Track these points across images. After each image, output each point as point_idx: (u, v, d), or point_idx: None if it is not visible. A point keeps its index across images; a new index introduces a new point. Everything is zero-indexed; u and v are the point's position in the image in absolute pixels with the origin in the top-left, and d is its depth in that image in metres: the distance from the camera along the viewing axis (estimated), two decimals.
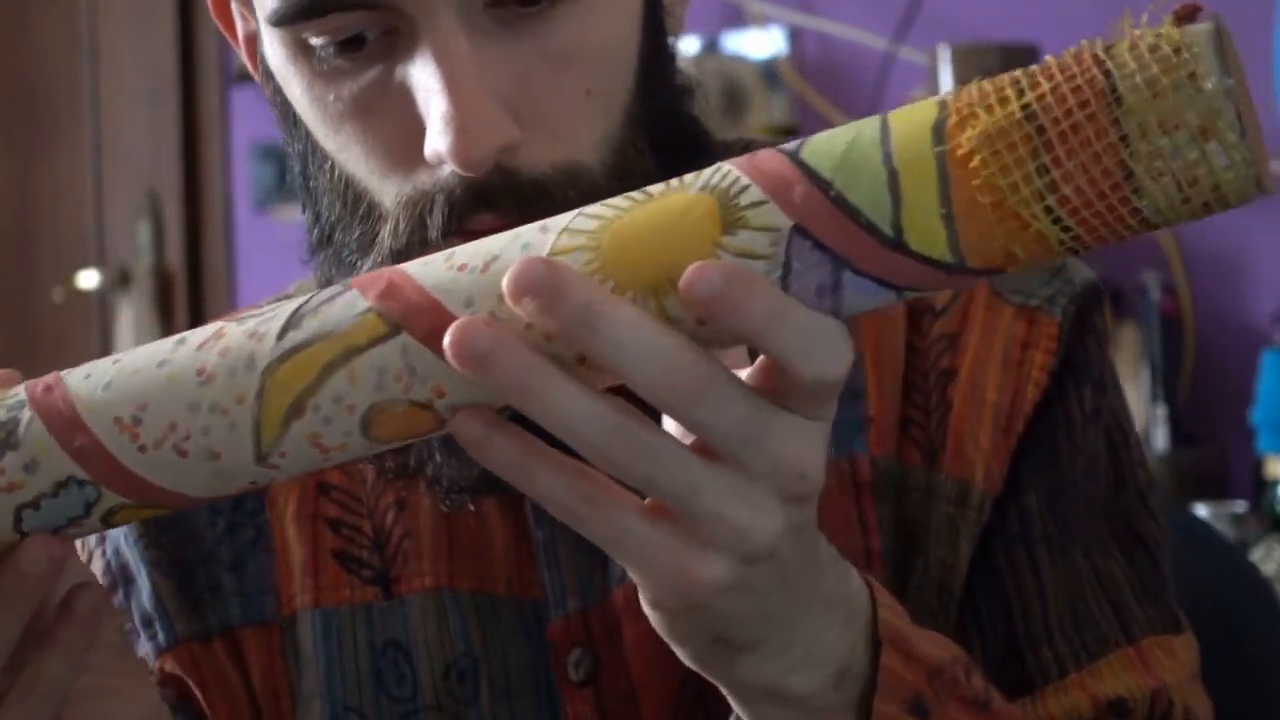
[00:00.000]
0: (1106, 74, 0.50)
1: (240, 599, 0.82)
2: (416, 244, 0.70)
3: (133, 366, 0.58)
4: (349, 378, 0.55)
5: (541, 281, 0.53)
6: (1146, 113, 0.50)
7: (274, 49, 0.74)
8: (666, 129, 0.76)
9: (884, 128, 0.54)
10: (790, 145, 0.55)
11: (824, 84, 2.60)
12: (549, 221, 0.56)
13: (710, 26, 2.68)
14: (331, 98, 0.72)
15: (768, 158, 0.55)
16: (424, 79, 0.69)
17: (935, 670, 0.68)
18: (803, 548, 0.59)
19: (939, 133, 0.53)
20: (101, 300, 3.56)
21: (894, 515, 0.81)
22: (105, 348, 3.35)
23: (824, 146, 0.54)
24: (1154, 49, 0.50)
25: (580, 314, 0.53)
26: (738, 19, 2.68)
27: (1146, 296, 2.23)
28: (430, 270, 0.56)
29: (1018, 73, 0.53)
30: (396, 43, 0.70)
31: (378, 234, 0.73)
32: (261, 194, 3.38)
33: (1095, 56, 0.51)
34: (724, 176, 0.55)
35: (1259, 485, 2.16)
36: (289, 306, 0.57)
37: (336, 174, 0.74)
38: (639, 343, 0.53)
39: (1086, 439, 0.82)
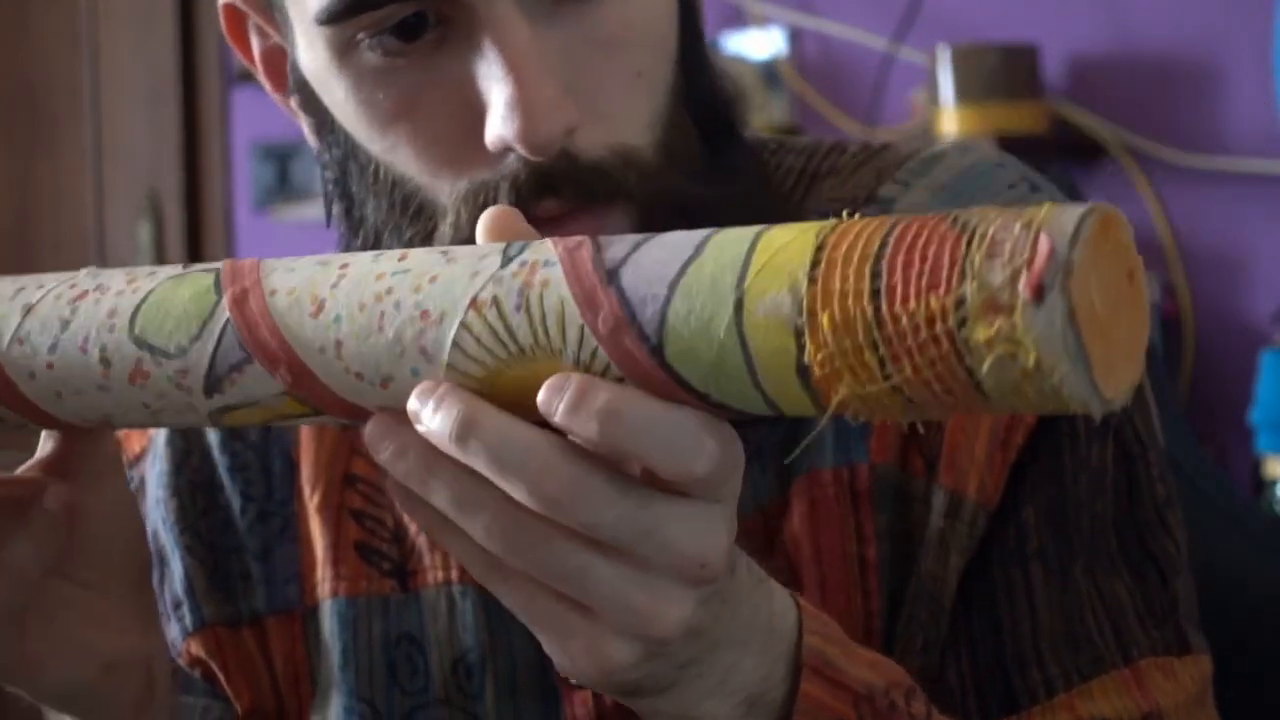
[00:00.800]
0: (969, 371, 0.49)
1: (266, 587, 0.83)
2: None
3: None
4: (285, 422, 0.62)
5: (415, 415, 0.55)
6: (1008, 395, 0.50)
7: (315, 53, 0.73)
8: (705, 108, 0.76)
9: (745, 350, 0.52)
10: (652, 331, 0.53)
11: (824, 84, 2.60)
12: (430, 350, 0.56)
13: (710, 27, 2.68)
14: (380, 96, 0.72)
15: (635, 350, 0.54)
16: (485, 66, 0.69)
17: (865, 696, 0.66)
18: (720, 607, 0.59)
19: (804, 375, 0.52)
20: None
21: (892, 524, 0.80)
22: None
23: (687, 350, 0.53)
24: (1008, 346, 0.49)
25: (455, 429, 0.54)
26: (738, 19, 2.68)
27: None
28: (331, 373, 0.58)
29: (870, 316, 0.51)
30: (448, 34, 0.70)
31: (434, 231, 0.73)
32: (262, 194, 3.38)
33: (950, 336, 0.49)
34: (592, 355, 0.54)
35: (1258, 485, 2.16)
36: (204, 354, 0.59)
37: (383, 176, 0.74)
38: (509, 450, 0.54)
39: (1092, 454, 0.80)
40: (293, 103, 0.78)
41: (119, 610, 0.68)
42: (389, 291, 0.57)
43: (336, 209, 0.77)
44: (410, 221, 0.73)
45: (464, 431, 0.54)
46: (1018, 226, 0.49)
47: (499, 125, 0.69)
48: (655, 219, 0.70)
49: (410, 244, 0.73)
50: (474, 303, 0.56)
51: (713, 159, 0.75)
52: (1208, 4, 2.30)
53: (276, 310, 0.59)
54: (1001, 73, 2.32)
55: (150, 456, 0.87)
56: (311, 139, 0.78)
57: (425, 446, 0.56)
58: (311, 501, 0.83)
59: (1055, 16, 2.41)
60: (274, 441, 0.85)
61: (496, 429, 0.54)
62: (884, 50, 2.49)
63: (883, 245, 0.51)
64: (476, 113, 0.70)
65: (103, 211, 3.64)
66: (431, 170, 0.72)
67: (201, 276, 0.61)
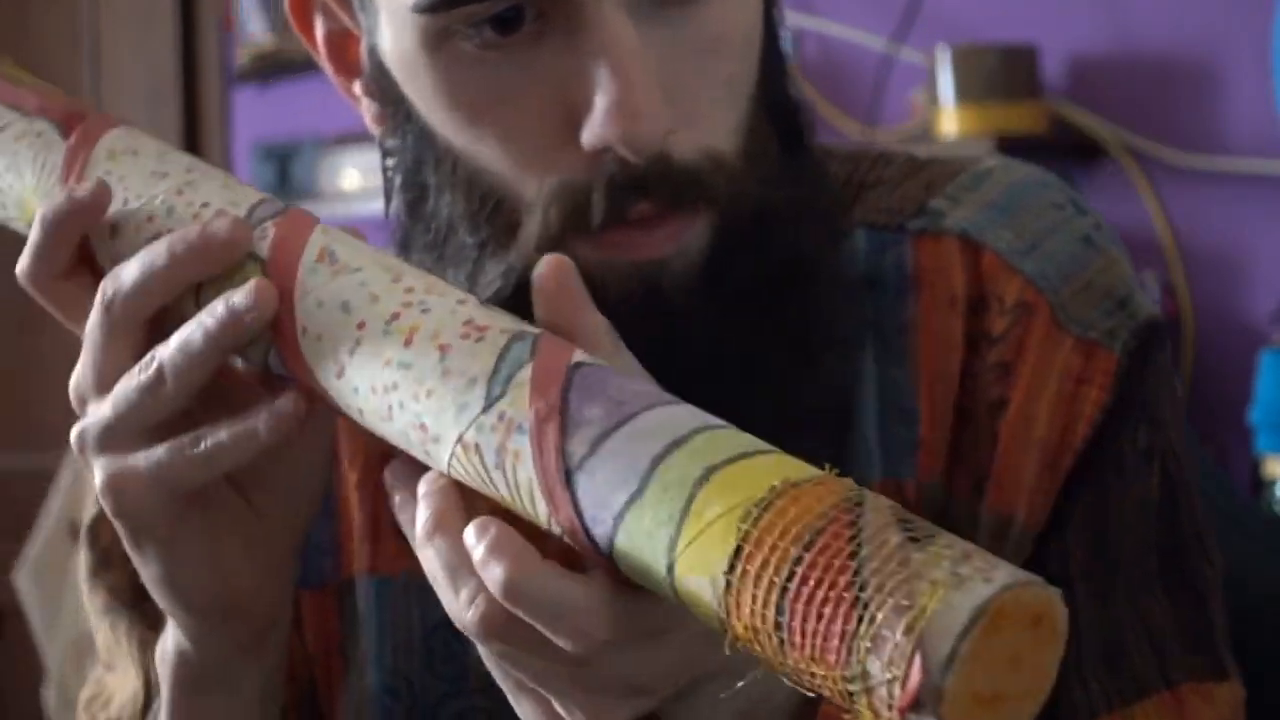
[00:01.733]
0: (853, 709, 0.51)
1: (300, 562, 0.79)
2: (572, 232, 0.70)
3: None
4: None
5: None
6: None
7: (403, 40, 0.72)
8: (781, 112, 0.76)
9: (678, 597, 0.54)
10: (603, 546, 0.55)
11: (824, 84, 2.60)
12: (433, 458, 0.60)
13: None
14: (472, 88, 0.71)
15: (591, 553, 0.56)
16: (588, 64, 0.68)
17: None
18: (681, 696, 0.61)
19: (730, 631, 0.53)
20: None
21: None
22: None
23: (634, 572, 0.55)
24: None
25: (425, 529, 0.60)
26: None
27: None
28: (359, 426, 0.62)
29: (774, 641, 0.52)
30: (546, 29, 0.70)
31: (517, 227, 0.72)
32: None
33: (839, 692, 0.50)
34: (560, 533, 0.57)
35: (1257, 485, 2.16)
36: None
37: (461, 169, 0.73)
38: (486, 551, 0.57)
39: (1138, 478, 0.80)
40: (356, 88, 0.77)
41: (272, 546, 0.68)
42: (395, 387, 0.59)
43: (399, 200, 0.76)
44: (489, 217, 0.73)
45: (430, 531, 0.58)
46: (900, 628, 0.48)
47: (602, 125, 0.68)
48: (735, 224, 0.71)
49: (486, 242, 0.73)
50: (460, 441, 0.58)
51: (787, 164, 0.75)
52: (1208, 4, 2.31)
53: (308, 353, 0.61)
54: (1001, 73, 2.32)
55: None
56: (374, 127, 0.78)
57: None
58: (351, 477, 0.82)
59: (1055, 17, 2.41)
60: None
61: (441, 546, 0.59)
62: (884, 50, 2.49)
63: (790, 576, 0.51)
64: (572, 110, 0.69)
65: None
66: (519, 165, 0.71)
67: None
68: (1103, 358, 0.80)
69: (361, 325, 0.60)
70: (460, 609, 0.58)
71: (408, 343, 0.59)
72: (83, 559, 0.84)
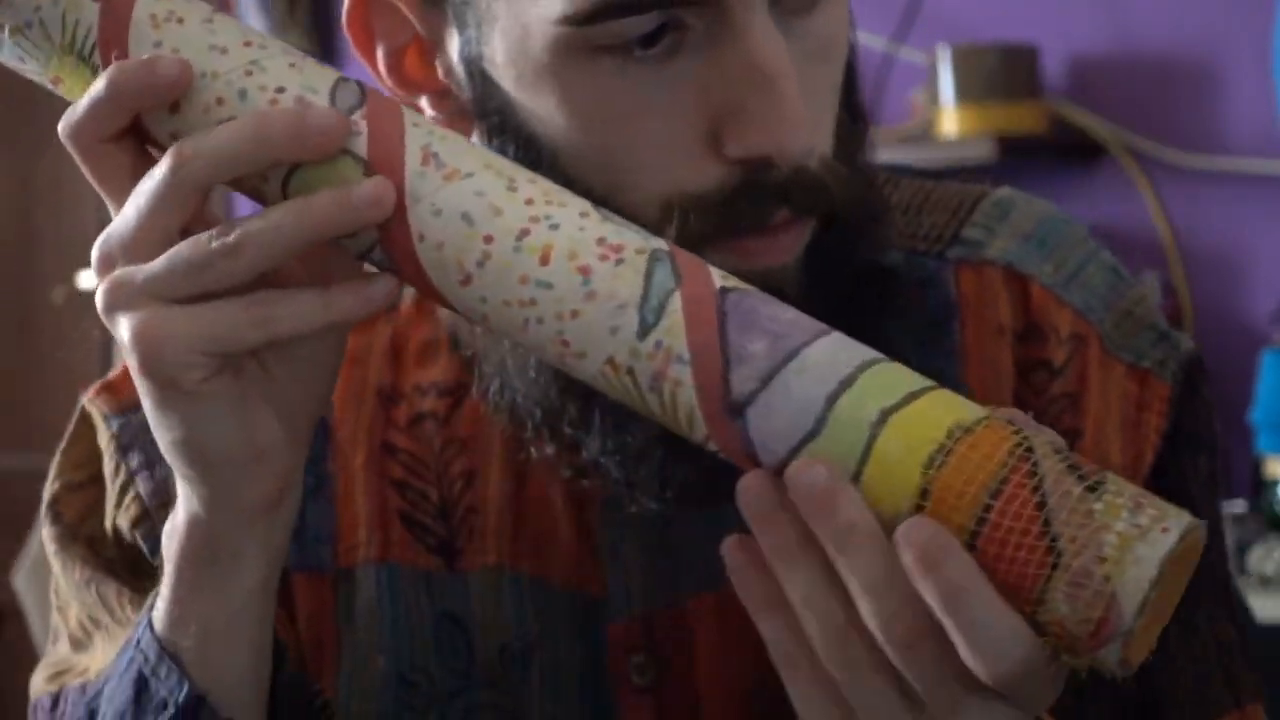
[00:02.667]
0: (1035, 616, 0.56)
1: (296, 545, 0.78)
2: (705, 240, 0.69)
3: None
4: None
5: (813, 498, 0.58)
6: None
7: (528, 49, 0.71)
8: (854, 115, 0.78)
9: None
10: (771, 470, 0.59)
11: None
12: (574, 371, 0.62)
13: None
14: (610, 98, 0.70)
15: (734, 447, 0.60)
16: (736, 74, 0.68)
17: None
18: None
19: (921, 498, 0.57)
20: None
21: None
22: (106, 348, 3.35)
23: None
24: (1069, 652, 0.57)
25: (839, 537, 0.58)
26: None
27: None
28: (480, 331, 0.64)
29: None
30: (685, 40, 0.69)
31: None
32: None
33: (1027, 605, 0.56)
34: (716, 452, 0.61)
35: (1258, 485, 2.16)
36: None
37: (572, 178, 0.71)
38: (882, 576, 0.58)
39: (1205, 504, 0.81)
40: (424, 101, 0.76)
41: (294, 410, 0.67)
42: (533, 303, 0.60)
43: None
44: None
45: (843, 542, 0.57)
46: (1096, 579, 0.55)
47: (758, 134, 0.68)
48: (824, 229, 0.72)
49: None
50: (610, 361, 0.60)
51: (858, 169, 0.76)
52: (1208, 4, 2.30)
53: (425, 260, 0.61)
54: (1001, 73, 2.32)
55: None
56: (480, 135, 0.75)
57: (803, 532, 0.58)
58: (355, 463, 0.81)
59: (1055, 17, 2.41)
60: None
61: (878, 549, 0.57)
62: (884, 50, 2.49)
63: (980, 522, 0.56)
64: (713, 120, 0.69)
65: (103, 211, 3.64)
66: (645, 175, 0.71)
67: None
68: (1157, 386, 0.82)
69: (489, 239, 0.61)
70: (887, 620, 0.57)
71: (544, 261, 0.60)
72: (47, 535, 0.82)
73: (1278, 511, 2.11)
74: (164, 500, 0.77)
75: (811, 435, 0.57)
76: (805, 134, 0.69)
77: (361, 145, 0.62)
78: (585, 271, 0.60)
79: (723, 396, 0.58)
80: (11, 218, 3.79)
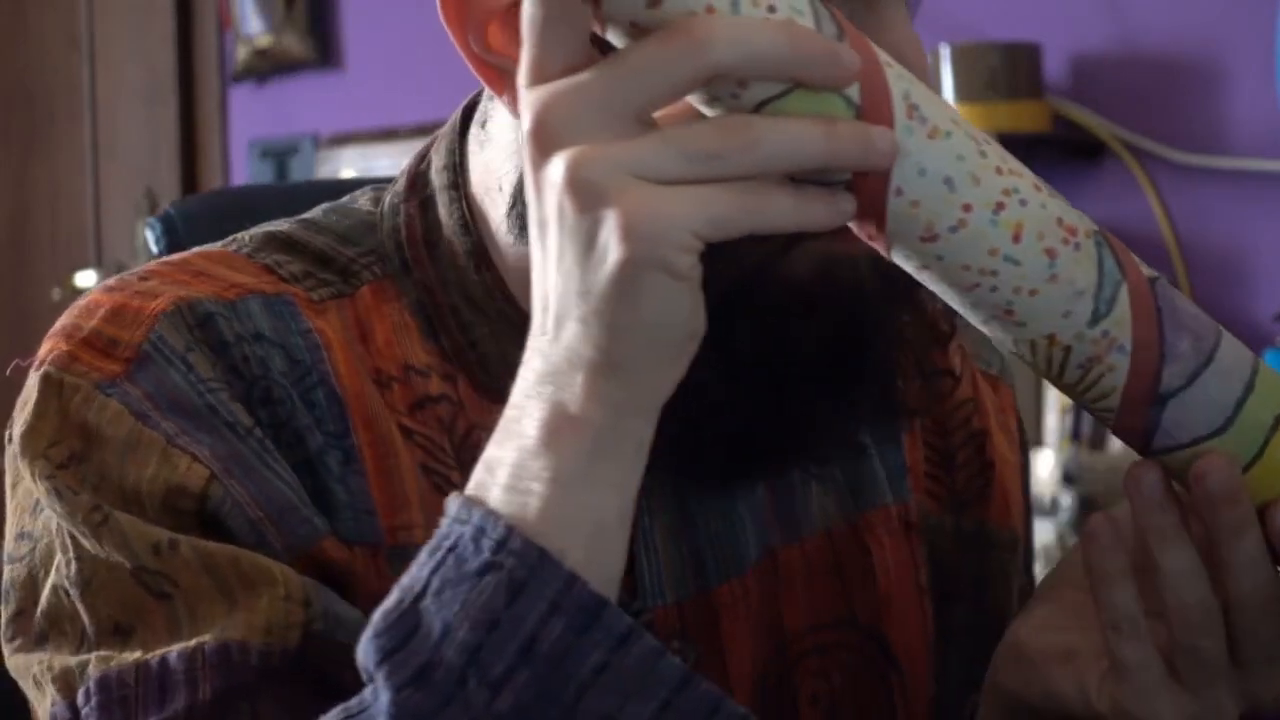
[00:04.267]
0: None
1: (351, 513, 0.76)
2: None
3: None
4: None
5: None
6: None
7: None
8: None
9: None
10: (1154, 455, 0.67)
11: None
12: (998, 339, 0.65)
13: None
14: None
15: (1136, 427, 0.66)
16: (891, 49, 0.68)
17: None
18: None
19: None
20: None
21: (928, 555, 0.88)
22: None
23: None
24: None
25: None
26: None
27: None
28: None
29: None
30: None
31: None
32: None
33: None
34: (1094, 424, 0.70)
35: None
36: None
37: None
38: None
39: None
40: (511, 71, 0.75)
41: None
42: (994, 273, 0.63)
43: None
44: None
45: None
46: None
47: None
48: None
49: None
50: (1050, 337, 0.64)
51: None
52: (1210, 3, 2.30)
53: (893, 211, 0.62)
54: (1003, 71, 2.32)
55: (153, 363, 0.77)
56: (498, 89, 0.75)
57: (1181, 516, 0.67)
58: (381, 441, 0.78)
59: (1057, 15, 2.40)
60: (300, 376, 0.78)
61: (1259, 534, 0.66)
62: None
63: None
64: None
65: (100, 210, 3.63)
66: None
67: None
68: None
69: (967, 208, 0.62)
70: (1253, 586, 0.67)
71: (1016, 239, 0.62)
72: (59, 511, 0.75)
73: None
74: (226, 466, 0.74)
75: (1217, 432, 0.64)
76: None
77: (855, 88, 0.62)
78: (1051, 254, 0.63)
79: (1151, 389, 0.64)
80: (9, 218, 3.78)
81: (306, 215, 0.85)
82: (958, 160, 0.62)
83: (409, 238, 0.82)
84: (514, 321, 0.79)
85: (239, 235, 0.84)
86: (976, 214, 0.62)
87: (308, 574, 0.74)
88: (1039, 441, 2.37)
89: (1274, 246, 2.26)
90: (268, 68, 3.37)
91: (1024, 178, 0.63)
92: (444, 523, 0.63)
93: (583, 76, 0.61)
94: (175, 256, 0.83)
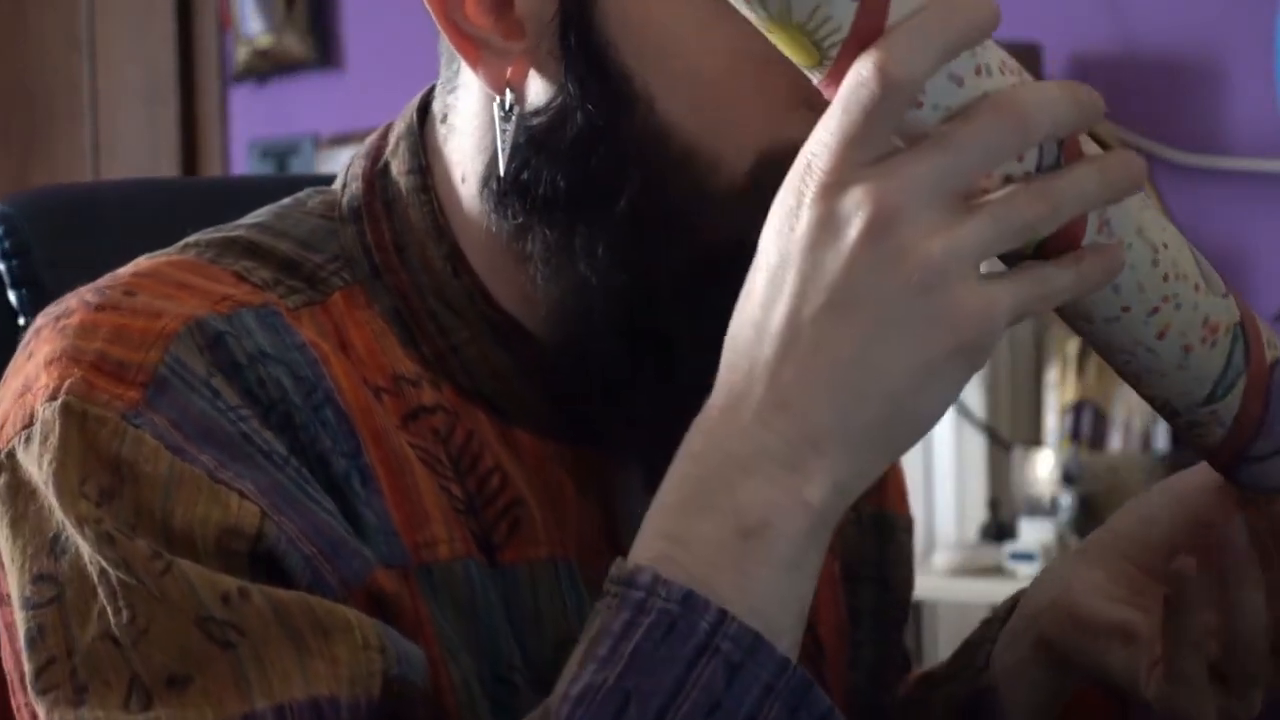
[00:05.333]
0: None
1: (383, 536, 0.74)
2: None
3: None
4: None
5: None
6: None
7: (677, 7, 0.72)
8: None
9: None
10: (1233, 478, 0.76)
11: None
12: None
13: None
14: (732, 47, 0.71)
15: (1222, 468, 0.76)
16: None
17: None
18: None
19: None
20: None
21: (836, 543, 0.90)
22: None
23: None
24: None
25: None
26: None
27: None
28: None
29: None
30: None
31: (703, 196, 0.73)
32: None
33: None
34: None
35: None
36: None
37: (664, 130, 0.73)
38: None
39: None
40: (488, 41, 0.75)
41: None
42: (1132, 355, 0.69)
43: (556, 162, 0.75)
44: (676, 171, 0.73)
45: None
46: None
47: None
48: None
49: (665, 205, 0.73)
50: (1165, 403, 0.72)
51: None
52: (1210, 3, 2.30)
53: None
54: None
55: (172, 388, 0.72)
56: (506, 85, 0.76)
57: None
58: (391, 456, 0.75)
59: (1058, 15, 2.40)
60: (306, 394, 0.74)
61: None
62: None
63: None
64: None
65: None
66: (741, 126, 0.72)
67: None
68: None
69: (1126, 310, 0.68)
70: None
71: (1160, 336, 0.69)
72: (106, 559, 0.70)
73: None
74: (272, 501, 0.71)
75: None
76: None
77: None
78: (1188, 350, 0.69)
79: (1237, 454, 0.73)
80: None
81: (256, 220, 0.81)
82: (1129, 270, 0.67)
83: (377, 243, 0.79)
84: (496, 324, 0.78)
85: (187, 240, 0.80)
86: (1133, 314, 0.68)
87: (365, 609, 0.71)
88: (1039, 441, 2.37)
89: (1274, 246, 2.26)
90: (268, 68, 3.37)
91: (1188, 281, 0.69)
92: (625, 592, 0.63)
93: (916, 161, 0.62)
94: (142, 265, 0.77)
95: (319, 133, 3.26)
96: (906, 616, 0.95)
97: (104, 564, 0.69)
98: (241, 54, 3.41)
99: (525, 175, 0.75)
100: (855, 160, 0.62)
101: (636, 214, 0.74)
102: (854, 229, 0.61)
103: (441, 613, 0.74)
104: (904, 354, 0.61)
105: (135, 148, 3.57)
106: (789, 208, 0.63)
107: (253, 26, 3.38)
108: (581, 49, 0.74)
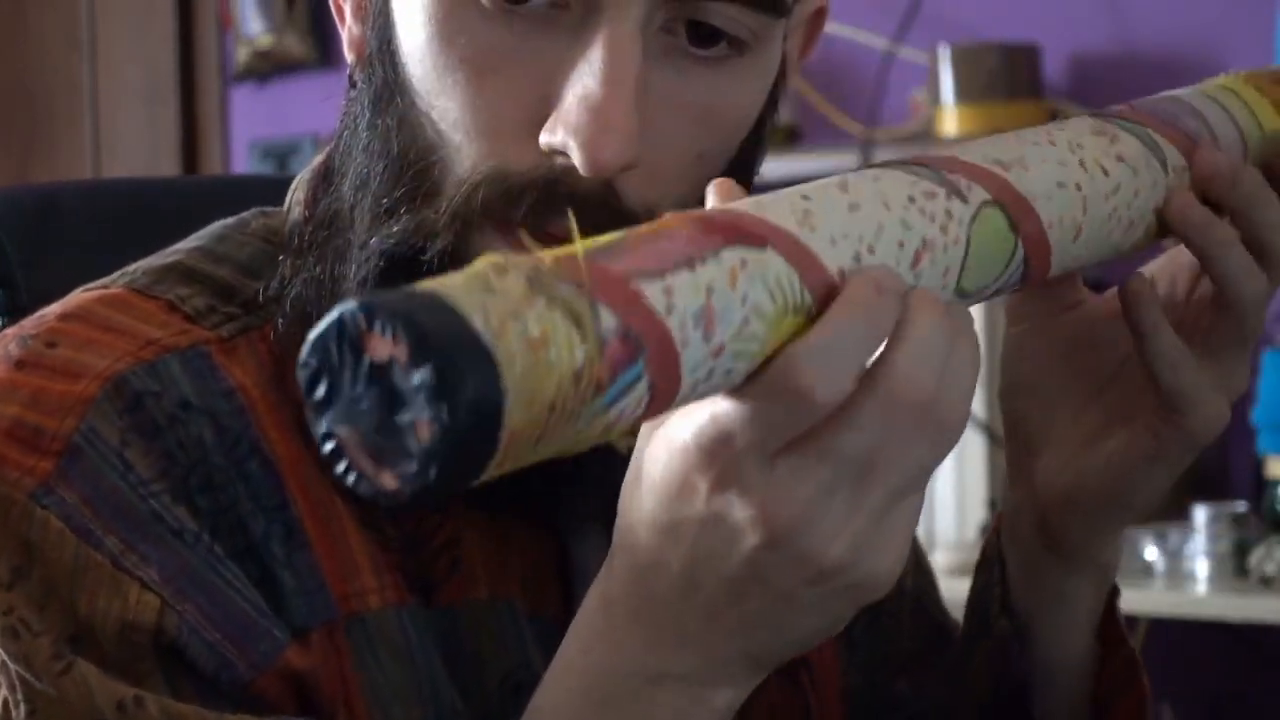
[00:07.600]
0: None
1: (304, 598, 0.73)
2: (492, 219, 0.69)
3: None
4: None
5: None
6: None
7: None
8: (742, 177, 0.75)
9: None
10: None
11: (824, 84, 2.59)
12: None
13: None
14: (466, 42, 0.70)
15: None
16: (583, 63, 0.68)
17: None
18: None
19: None
20: None
21: None
22: None
23: None
24: None
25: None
26: None
27: None
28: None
29: None
30: (559, 17, 0.69)
31: (437, 191, 0.71)
32: None
33: None
34: None
35: (1259, 485, 2.15)
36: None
37: (407, 120, 0.73)
38: None
39: None
40: (354, 7, 0.78)
41: None
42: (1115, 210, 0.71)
43: (357, 135, 0.76)
44: (408, 177, 0.72)
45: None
46: None
47: (571, 124, 0.67)
48: None
49: (401, 196, 0.72)
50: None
51: None
52: (1210, 3, 2.30)
53: (1050, 234, 0.68)
54: (1002, 72, 2.32)
55: (85, 459, 0.72)
56: (350, 55, 0.79)
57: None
58: (319, 504, 0.74)
59: (1056, 16, 2.41)
60: (230, 447, 0.74)
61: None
62: (884, 50, 2.48)
63: None
64: (544, 100, 0.69)
65: None
66: (472, 132, 0.70)
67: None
68: None
69: (1079, 187, 0.71)
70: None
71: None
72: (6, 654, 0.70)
73: (1278, 511, 2.11)
74: (178, 587, 0.70)
75: None
76: (622, 148, 0.67)
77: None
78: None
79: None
80: None
81: (199, 243, 0.80)
82: (1059, 167, 0.70)
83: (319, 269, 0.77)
84: None
85: (129, 267, 0.78)
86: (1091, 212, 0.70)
87: (276, 690, 0.71)
88: None
89: None
90: (268, 68, 3.37)
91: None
92: None
93: (816, 466, 0.59)
94: (72, 303, 0.76)
95: (319, 133, 3.26)
96: (902, 605, 0.91)
97: (5, 657, 0.69)
98: (242, 54, 3.41)
99: None
100: (752, 464, 0.59)
101: (395, 210, 0.73)
102: (750, 541, 0.60)
103: (377, 664, 0.74)
104: (811, 620, 0.62)
105: (135, 148, 3.58)
106: (679, 482, 0.60)
107: (253, 27, 3.39)
108: (378, 48, 0.76)
